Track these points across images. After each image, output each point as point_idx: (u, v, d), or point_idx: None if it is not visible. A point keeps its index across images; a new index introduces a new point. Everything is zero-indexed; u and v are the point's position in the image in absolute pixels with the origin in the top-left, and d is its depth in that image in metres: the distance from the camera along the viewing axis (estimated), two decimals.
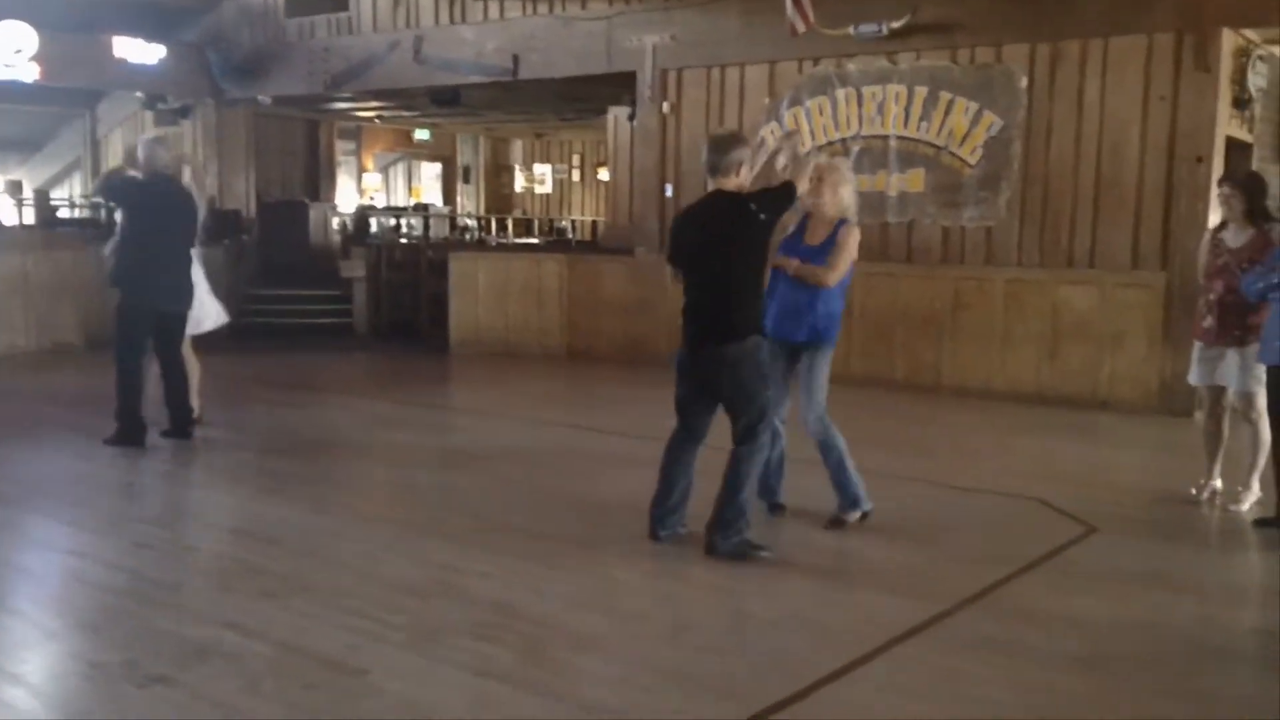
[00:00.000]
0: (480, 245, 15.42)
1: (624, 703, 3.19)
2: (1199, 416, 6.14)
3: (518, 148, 21.01)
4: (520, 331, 10.84)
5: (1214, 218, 6.32)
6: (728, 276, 4.44)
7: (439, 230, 17.46)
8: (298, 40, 12.57)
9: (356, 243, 13.82)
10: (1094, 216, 8.22)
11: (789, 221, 4.86)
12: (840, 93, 9.14)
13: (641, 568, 4.43)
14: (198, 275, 6.78)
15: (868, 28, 8.79)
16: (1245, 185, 5.39)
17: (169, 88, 13.00)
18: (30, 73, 11.28)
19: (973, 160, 8.60)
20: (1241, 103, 8.21)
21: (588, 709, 3.15)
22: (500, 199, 20.78)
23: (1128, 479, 6.17)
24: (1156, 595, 4.25)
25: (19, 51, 11.13)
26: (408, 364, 10.92)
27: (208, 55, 12.91)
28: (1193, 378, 5.55)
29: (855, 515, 4.92)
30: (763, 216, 4.39)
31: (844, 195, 4.88)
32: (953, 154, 8.68)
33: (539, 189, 21.23)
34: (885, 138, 8.95)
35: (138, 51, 12.27)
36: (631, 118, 10.94)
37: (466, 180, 20.52)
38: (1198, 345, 5.46)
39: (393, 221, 16.80)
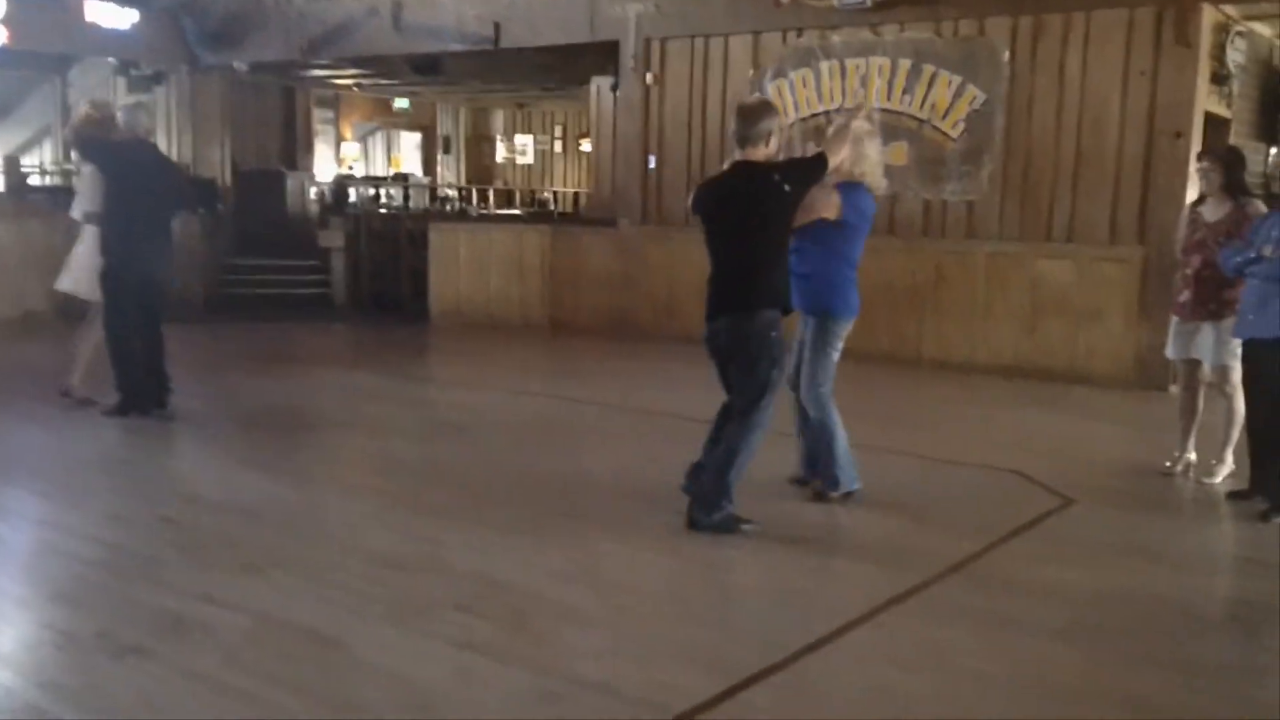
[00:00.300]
0: (461, 216, 15.30)
1: (608, 675, 3.20)
2: (1175, 390, 6.19)
3: (499, 118, 20.80)
4: (502, 303, 10.79)
5: (1192, 192, 6.34)
6: (744, 248, 4.38)
7: (419, 201, 17.31)
8: (273, 5, 12.33)
9: (335, 212, 13.68)
10: (1073, 190, 8.24)
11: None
12: (824, 65, 9.09)
13: (625, 540, 4.43)
14: (88, 245, 6.47)
15: None
16: (1224, 159, 5.40)
17: (142, 54, 12.71)
18: None
19: (955, 134, 8.59)
20: (1220, 78, 8.23)
21: (572, 681, 3.15)
22: (481, 170, 20.59)
23: (1105, 452, 6.22)
24: (1134, 565, 4.30)
25: None
26: (388, 335, 10.85)
27: (181, 21, 12.66)
28: (1169, 351, 5.60)
29: (835, 494, 4.89)
30: (786, 188, 4.31)
31: (852, 158, 4.65)
32: (935, 127, 8.66)
33: (520, 160, 21.04)
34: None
35: (110, 16, 11.97)
36: (614, 88, 10.84)
37: (447, 150, 20.30)
38: (1174, 319, 5.50)
39: (372, 191, 16.64)
